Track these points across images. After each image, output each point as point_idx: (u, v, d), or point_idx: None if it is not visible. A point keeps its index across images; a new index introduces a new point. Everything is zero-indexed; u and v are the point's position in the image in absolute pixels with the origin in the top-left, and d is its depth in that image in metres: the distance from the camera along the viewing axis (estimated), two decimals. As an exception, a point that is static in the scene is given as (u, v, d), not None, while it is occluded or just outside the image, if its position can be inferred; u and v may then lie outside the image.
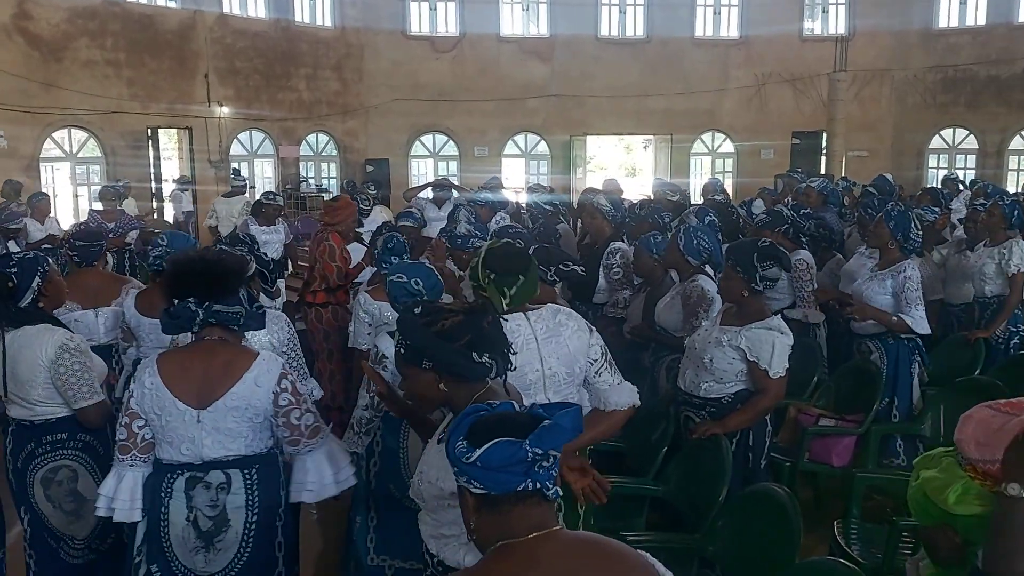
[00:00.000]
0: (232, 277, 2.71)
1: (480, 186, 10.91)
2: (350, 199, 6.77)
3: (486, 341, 2.14)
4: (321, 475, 2.77)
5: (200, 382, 2.64)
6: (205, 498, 2.66)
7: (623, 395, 3.03)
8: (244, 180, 12.23)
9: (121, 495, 2.68)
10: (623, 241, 5.86)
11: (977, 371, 5.01)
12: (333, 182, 19.22)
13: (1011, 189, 16.71)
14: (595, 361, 3.00)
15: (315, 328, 5.95)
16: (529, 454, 1.56)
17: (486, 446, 1.58)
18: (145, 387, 2.65)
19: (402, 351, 2.22)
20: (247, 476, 2.69)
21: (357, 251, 6.48)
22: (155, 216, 14.76)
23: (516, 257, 2.93)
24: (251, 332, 3.66)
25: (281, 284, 4.89)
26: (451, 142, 20.36)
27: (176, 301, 2.67)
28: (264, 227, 8.31)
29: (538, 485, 1.59)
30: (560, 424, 1.60)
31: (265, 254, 4.72)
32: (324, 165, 19.66)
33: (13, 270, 3.29)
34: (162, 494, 2.68)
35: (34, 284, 3.32)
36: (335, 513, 4.23)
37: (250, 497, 2.69)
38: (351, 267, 6.11)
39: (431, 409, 2.32)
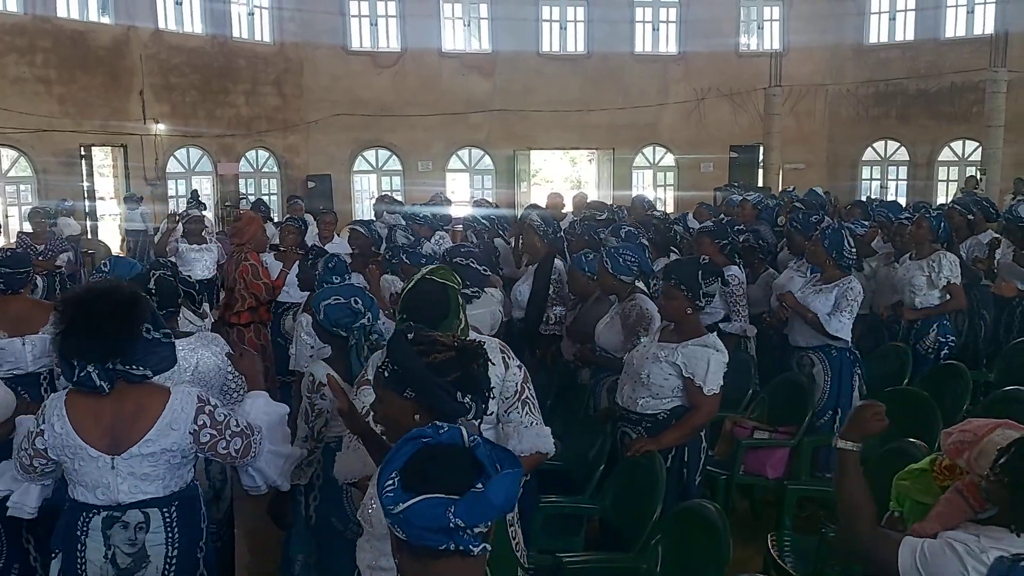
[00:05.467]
0: (129, 324, 2.51)
1: (426, 202, 10.87)
2: (252, 214, 6.70)
3: (472, 382, 2.09)
4: (266, 477, 2.81)
5: (112, 426, 2.54)
6: (123, 537, 2.58)
7: (527, 440, 2.83)
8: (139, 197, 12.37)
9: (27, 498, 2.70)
10: (560, 259, 5.87)
11: (905, 381, 5.12)
12: (274, 198, 18.99)
13: (941, 199, 17.27)
14: (507, 399, 2.85)
15: (237, 349, 5.85)
16: (452, 523, 1.48)
17: (410, 502, 1.51)
18: (55, 431, 2.53)
19: (386, 374, 2.14)
20: (166, 514, 2.62)
21: (275, 267, 6.47)
22: (88, 236, 14.42)
23: (433, 306, 2.80)
24: (199, 356, 3.58)
25: (206, 307, 4.78)
26: (394, 157, 20.29)
27: (75, 363, 2.48)
28: (193, 245, 8.21)
29: (460, 547, 1.51)
30: (491, 500, 1.50)
31: (189, 276, 4.64)
32: (264, 181, 19.42)
33: None
34: (78, 532, 2.58)
35: None
36: (270, 544, 4.15)
37: (170, 534, 2.62)
38: (275, 279, 6.10)
39: (398, 437, 2.27)
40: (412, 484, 1.52)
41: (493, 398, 2.28)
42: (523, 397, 2.86)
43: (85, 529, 2.58)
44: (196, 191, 13.58)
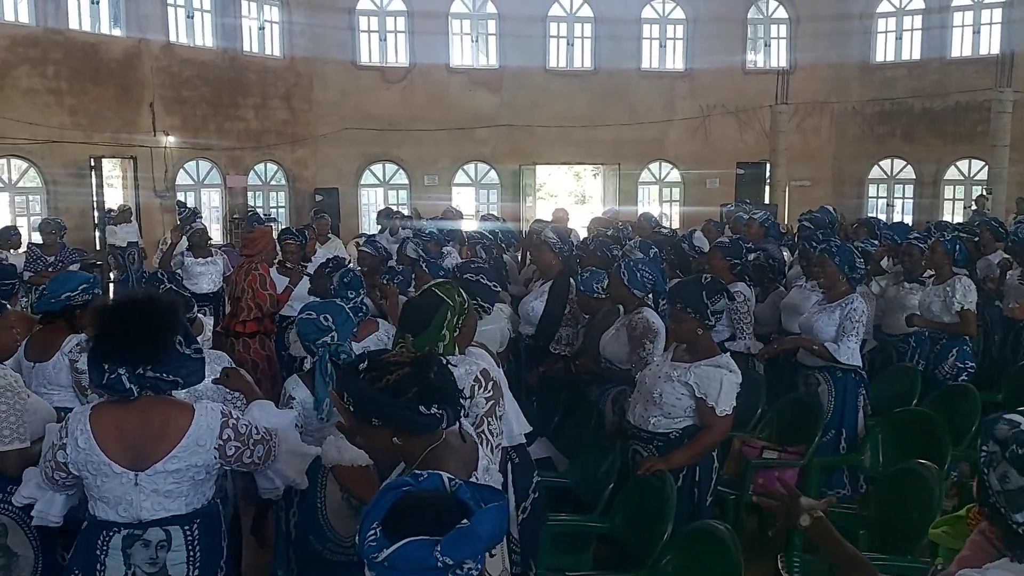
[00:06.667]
0: (163, 334, 2.53)
1: (439, 215, 10.93)
2: (265, 228, 6.73)
3: (434, 392, 2.08)
4: (285, 478, 2.85)
5: (136, 442, 2.52)
6: (144, 556, 2.55)
7: None
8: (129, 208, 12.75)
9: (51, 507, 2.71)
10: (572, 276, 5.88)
11: (914, 402, 5.12)
12: (282, 211, 19.08)
13: (947, 218, 17.27)
14: None
15: (243, 359, 5.88)
16: (439, 562, 1.44)
17: (395, 546, 1.46)
18: (78, 446, 2.51)
19: (351, 409, 2.14)
20: (188, 532, 2.60)
21: (280, 281, 6.49)
22: (97, 247, 14.51)
23: (417, 318, 2.90)
24: None
25: (209, 321, 4.75)
26: (401, 171, 20.37)
27: (105, 366, 2.49)
28: (199, 259, 8.26)
29: None
30: (477, 532, 1.46)
31: (188, 290, 4.64)
32: (272, 194, 19.51)
33: None
34: (97, 551, 2.56)
35: None
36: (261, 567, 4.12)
37: (191, 553, 2.60)
38: (281, 293, 6.13)
39: (389, 462, 2.22)
40: (395, 532, 1.49)
41: (467, 398, 2.25)
42: (478, 430, 2.76)
43: (105, 548, 2.56)
44: (181, 201, 13.62)
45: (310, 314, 3.35)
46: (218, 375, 3.61)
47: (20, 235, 9.72)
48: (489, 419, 2.78)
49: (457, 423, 2.16)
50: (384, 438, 2.10)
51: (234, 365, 3.82)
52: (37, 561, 3.15)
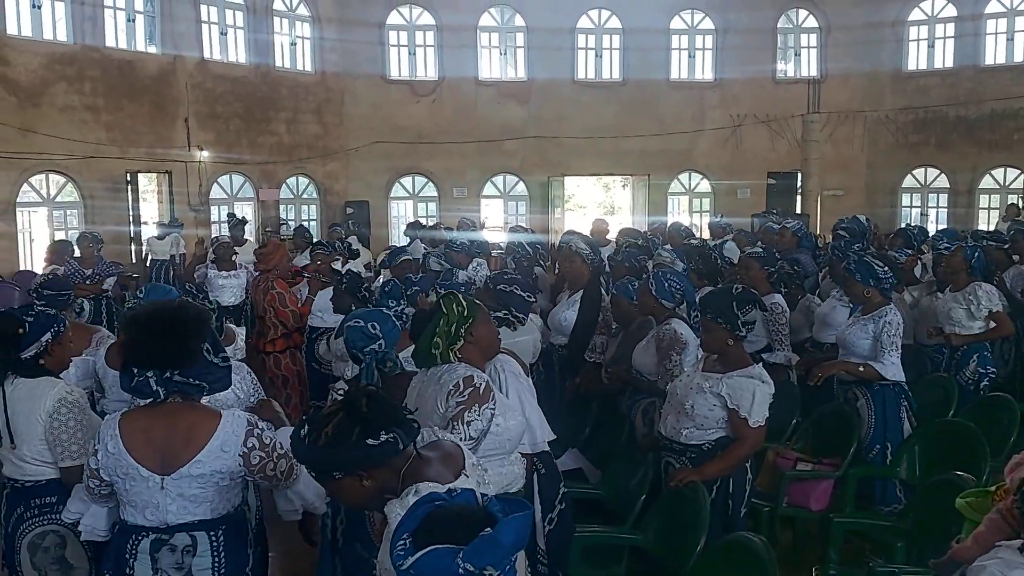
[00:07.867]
0: (191, 340, 2.60)
1: (456, 226, 10.98)
2: (278, 241, 6.76)
3: (374, 422, 2.05)
4: (305, 500, 2.89)
5: (163, 446, 2.58)
6: (170, 560, 2.61)
7: None
8: (179, 223, 13.53)
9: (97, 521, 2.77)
10: (602, 285, 5.86)
11: (951, 412, 5.05)
12: (314, 224, 19.27)
13: (982, 227, 17.01)
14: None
15: (274, 375, 5.91)
16: (461, 569, 1.46)
17: (419, 554, 1.49)
18: (108, 451, 2.60)
19: (314, 475, 2.15)
20: (213, 538, 2.64)
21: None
22: (133, 260, 14.74)
23: (418, 322, 3.17)
24: None
25: (241, 332, 4.78)
26: (430, 183, 20.48)
27: (135, 370, 2.59)
28: (223, 272, 8.34)
29: None
30: (498, 540, 1.48)
31: (215, 301, 4.70)
32: (304, 207, 19.72)
33: (28, 319, 3.26)
34: (127, 555, 2.62)
35: (43, 339, 3.25)
36: (304, 568, 4.15)
37: (216, 559, 2.64)
38: (301, 306, 6.13)
39: (377, 505, 2.18)
40: (424, 543, 1.52)
41: (415, 410, 2.29)
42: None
43: (134, 552, 2.61)
44: (232, 214, 13.78)
45: (358, 322, 3.37)
46: (242, 389, 3.67)
47: (74, 249, 9.90)
48: (455, 423, 2.87)
49: (416, 438, 2.14)
50: (354, 485, 2.08)
51: (255, 378, 3.87)
52: (91, 573, 3.22)
